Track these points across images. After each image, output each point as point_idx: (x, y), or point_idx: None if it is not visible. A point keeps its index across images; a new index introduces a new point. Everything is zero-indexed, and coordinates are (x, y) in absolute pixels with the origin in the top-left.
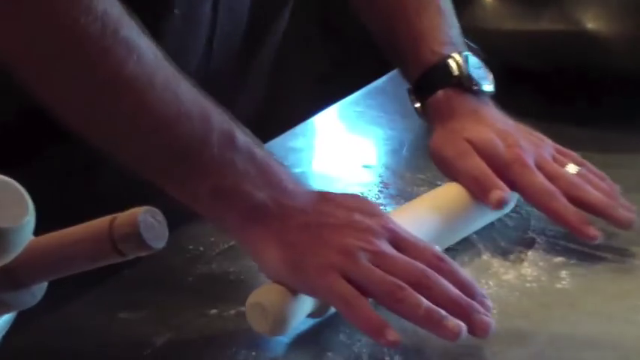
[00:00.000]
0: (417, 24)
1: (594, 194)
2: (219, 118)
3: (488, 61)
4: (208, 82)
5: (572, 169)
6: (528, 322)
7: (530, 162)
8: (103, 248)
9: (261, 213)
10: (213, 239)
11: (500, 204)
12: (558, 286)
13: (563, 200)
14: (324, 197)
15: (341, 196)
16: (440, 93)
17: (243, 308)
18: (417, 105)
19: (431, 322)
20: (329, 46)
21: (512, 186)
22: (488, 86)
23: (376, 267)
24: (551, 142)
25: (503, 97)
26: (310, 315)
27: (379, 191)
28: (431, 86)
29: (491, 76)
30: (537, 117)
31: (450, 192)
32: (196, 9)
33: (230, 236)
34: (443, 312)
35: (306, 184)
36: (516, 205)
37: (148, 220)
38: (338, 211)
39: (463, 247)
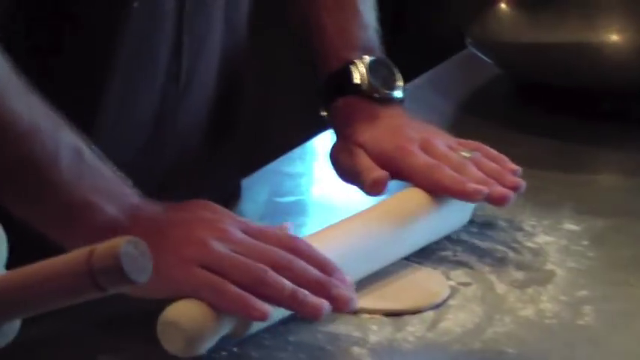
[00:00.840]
0: (328, 26)
1: (471, 172)
2: (68, 132)
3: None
4: (181, 85)
5: (465, 153)
6: None
7: (415, 149)
8: (81, 283)
9: (113, 226)
10: None
11: (377, 185)
12: (581, 322)
13: (447, 171)
14: (172, 206)
15: (187, 203)
16: (340, 101)
17: (235, 349)
18: (324, 114)
19: (296, 302)
20: None
21: (398, 174)
22: (396, 92)
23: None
24: (451, 137)
25: (517, 114)
26: (231, 335)
27: None
28: (332, 93)
29: (400, 82)
30: (551, 134)
31: (387, 206)
32: (158, 1)
33: None
34: (304, 291)
35: (149, 199)
36: (532, 235)
37: (131, 252)
38: (186, 214)
39: (474, 279)
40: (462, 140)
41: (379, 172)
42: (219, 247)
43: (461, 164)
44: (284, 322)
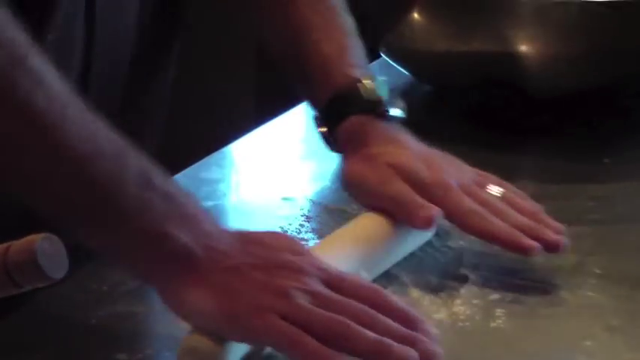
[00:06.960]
0: (325, 47)
1: (521, 219)
2: (135, 157)
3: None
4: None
5: (495, 191)
6: None
7: (456, 188)
8: None
9: (186, 257)
10: (118, 278)
11: (429, 222)
12: (493, 325)
13: (493, 218)
14: (248, 238)
15: (263, 235)
16: (353, 119)
17: (151, 351)
18: (324, 130)
19: (382, 353)
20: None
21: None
22: (399, 112)
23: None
24: (470, 168)
25: (432, 124)
26: None
27: (300, 225)
28: (342, 111)
29: (401, 103)
30: (468, 142)
31: (369, 222)
32: (70, 31)
33: (149, 284)
34: (389, 340)
35: (224, 225)
36: (446, 240)
37: (46, 248)
38: (265, 251)
39: (389, 281)
40: (480, 172)
41: (433, 210)
42: (299, 298)
43: (503, 211)
44: None
